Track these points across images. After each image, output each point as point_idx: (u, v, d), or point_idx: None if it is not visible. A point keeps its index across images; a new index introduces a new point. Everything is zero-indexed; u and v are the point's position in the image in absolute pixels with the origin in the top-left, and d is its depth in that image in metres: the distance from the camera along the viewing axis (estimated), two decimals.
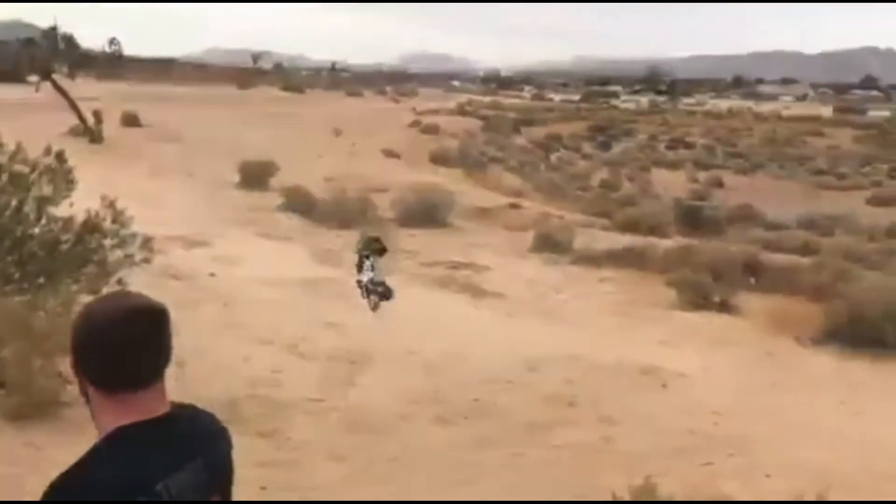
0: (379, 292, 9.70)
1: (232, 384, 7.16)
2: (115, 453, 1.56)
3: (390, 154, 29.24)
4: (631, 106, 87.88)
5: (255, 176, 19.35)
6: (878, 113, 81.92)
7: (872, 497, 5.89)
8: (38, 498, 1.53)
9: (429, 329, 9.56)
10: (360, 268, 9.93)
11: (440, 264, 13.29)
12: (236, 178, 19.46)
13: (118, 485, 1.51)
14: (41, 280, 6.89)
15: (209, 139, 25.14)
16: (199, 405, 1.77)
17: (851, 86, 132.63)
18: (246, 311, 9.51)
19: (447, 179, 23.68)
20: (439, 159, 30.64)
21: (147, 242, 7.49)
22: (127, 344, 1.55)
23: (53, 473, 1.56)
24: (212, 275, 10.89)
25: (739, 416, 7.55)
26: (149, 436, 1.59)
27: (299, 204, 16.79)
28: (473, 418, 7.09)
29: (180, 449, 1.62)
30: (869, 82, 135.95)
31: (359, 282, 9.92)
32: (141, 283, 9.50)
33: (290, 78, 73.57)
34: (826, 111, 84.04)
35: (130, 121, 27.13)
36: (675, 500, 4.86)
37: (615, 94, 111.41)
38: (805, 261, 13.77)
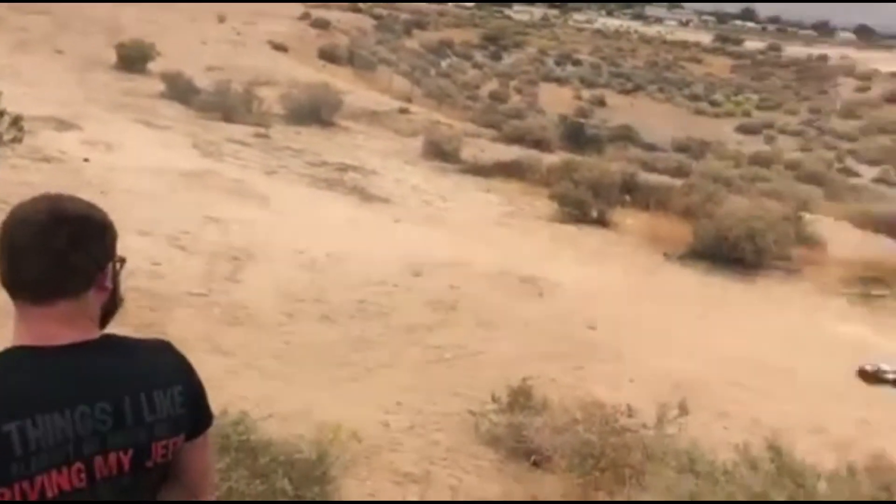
0: None
1: None
2: None
3: (277, 47, 28.13)
4: (524, 17, 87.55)
5: (132, 58, 18.22)
6: (753, 45, 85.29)
7: (720, 396, 6.47)
8: None
9: (314, 229, 9.51)
10: None
11: (328, 165, 13.11)
12: (112, 58, 18.26)
13: None
14: None
15: (82, 15, 23.32)
16: None
17: (733, 16, 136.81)
18: (123, 201, 9.10)
19: (336, 78, 23.10)
20: (328, 56, 29.77)
21: (17, 121, 7.03)
22: (25, 246, 1.36)
23: None
24: (86, 160, 10.34)
25: (609, 326, 8.01)
26: (28, 364, 1.33)
27: (180, 92, 16.01)
28: (358, 318, 7.19)
29: (72, 387, 1.34)
30: (748, 14, 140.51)
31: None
32: (7, 165, 8.96)
33: None
34: (706, 39, 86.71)
35: None
36: (549, 400, 5.17)
37: (508, 4, 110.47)
38: (677, 182, 14.49)
